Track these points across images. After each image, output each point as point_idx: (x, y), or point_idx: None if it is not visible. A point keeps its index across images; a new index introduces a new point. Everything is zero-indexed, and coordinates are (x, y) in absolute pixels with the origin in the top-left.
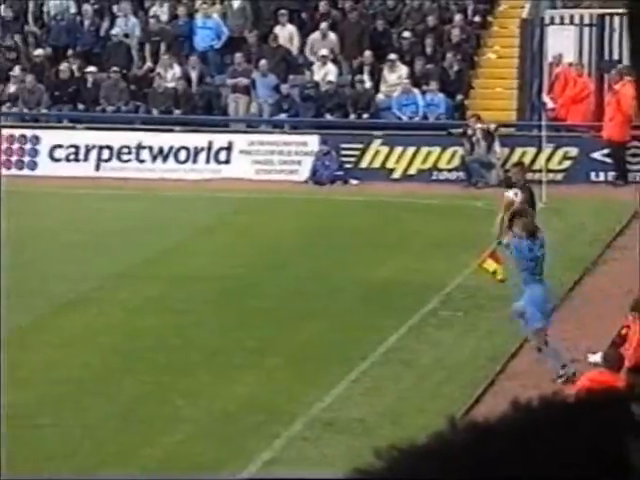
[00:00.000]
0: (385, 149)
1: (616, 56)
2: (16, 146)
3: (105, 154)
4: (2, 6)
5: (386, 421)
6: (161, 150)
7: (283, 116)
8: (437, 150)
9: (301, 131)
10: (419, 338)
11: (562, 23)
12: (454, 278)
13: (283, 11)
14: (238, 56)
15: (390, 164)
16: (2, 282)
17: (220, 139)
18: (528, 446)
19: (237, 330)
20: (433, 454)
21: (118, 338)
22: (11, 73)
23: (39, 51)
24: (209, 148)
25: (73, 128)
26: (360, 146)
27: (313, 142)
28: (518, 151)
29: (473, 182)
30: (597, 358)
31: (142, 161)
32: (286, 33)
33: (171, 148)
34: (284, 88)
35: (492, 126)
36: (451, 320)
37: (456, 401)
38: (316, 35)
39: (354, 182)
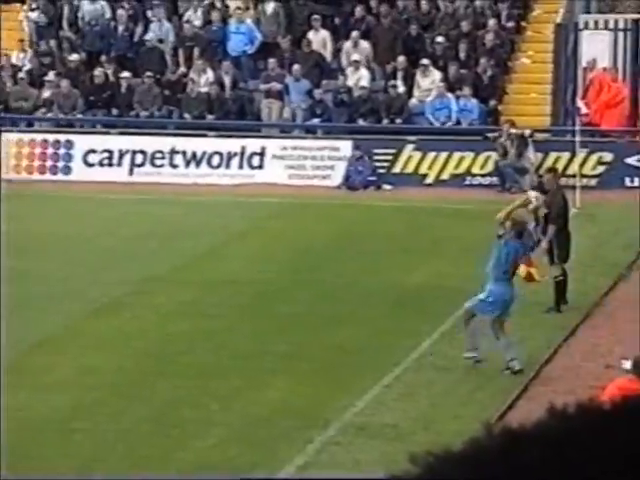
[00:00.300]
0: (418, 154)
1: None
2: (50, 151)
3: (138, 159)
4: (37, 11)
5: (419, 427)
6: (194, 155)
7: (316, 121)
8: (470, 155)
9: (334, 136)
10: (452, 343)
11: (597, 28)
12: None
13: (316, 16)
14: (271, 61)
15: (423, 169)
16: (34, 287)
17: (253, 144)
18: (564, 453)
19: (270, 335)
20: (469, 460)
21: (151, 342)
22: (46, 78)
23: (74, 56)
24: (242, 153)
25: (107, 133)
26: (393, 151)
27: (346, 147)
28: (552, 156)
29: (507, 187)
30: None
31: (175, 166)
32: (319, 38)
33: (204, 153)
34: (317, 93)
35: (527, 131)
36: (484, 325)
37: (489, 407)
38: (348, 44)
39: (387, 187)
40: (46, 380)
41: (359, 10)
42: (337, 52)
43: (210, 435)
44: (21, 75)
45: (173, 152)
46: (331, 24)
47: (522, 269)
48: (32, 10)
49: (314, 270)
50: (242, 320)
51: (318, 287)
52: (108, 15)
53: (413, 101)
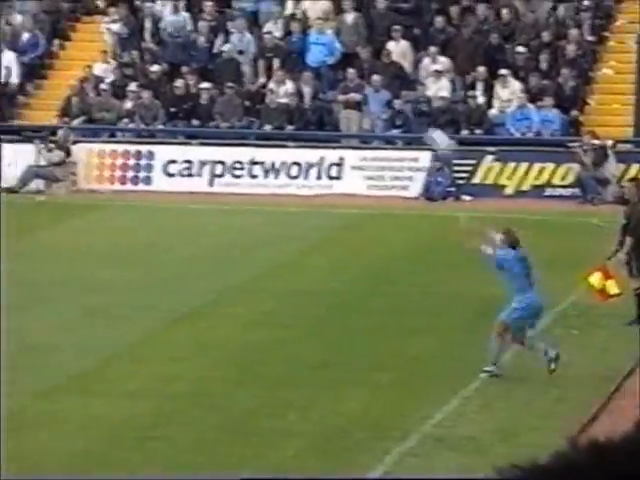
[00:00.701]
0: (498, 165)
1: None
2: (132, 161)
3: (218, 169)
4: (119, 23)
5: (498, 439)
6: (273, 166)
7: (395, 132)
8: (551, 166)
9: (413, 147)
10: (532, 355)
11: None
12: (568, 295)
13: (396, 27)
14: (351, 72)
15: (503, 180)
16: (115, 296)
17: (332, 155)
18: None
19: (347, 345)
20: (556, 473)
21: (230, 352)
22: (128, 89)
23: (155, 67)
24: (321, 164)
25: (187, 144)
26: (472, 162)
27: (425, 158)
28: (634, 167)
29: (589, 198)
30: None
31: (255, 176)
32: (399, 49)
33: (283, 164)
34: (397, 104)
35: (609, 142)
36: (565, 338)
37: (570, 419)
38: (427, 60)
39: (466, 198)
40: (126, 388)
41: (439, 20)
42: (417, 63)
43: (288, 445)
44: (103, 86)
45: (253, 163)
46: (411, 34)
47: (597, 280)
48: (114, 22)
49: (392, 281)
50: (320, 330)
51: (396, 298)
52: (189, 27)
53: (493, 112)
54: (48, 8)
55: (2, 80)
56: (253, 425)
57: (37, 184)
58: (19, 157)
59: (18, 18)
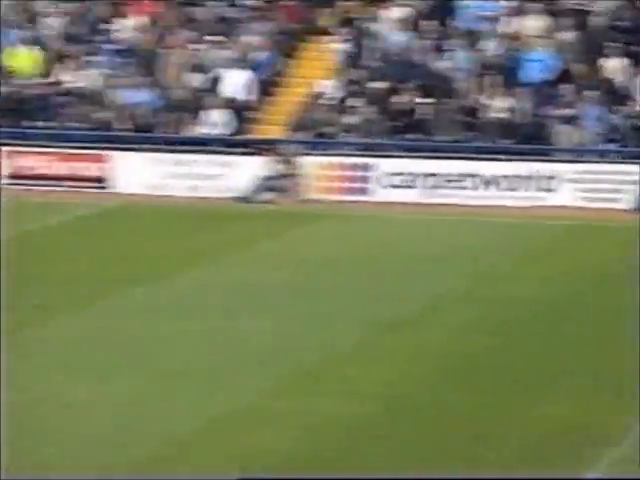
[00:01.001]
0: None
1: None
2: (353, 173)
3: (436, 182)
4: (345, 42)
5: None
6: (489, 178)
7: (609, 146)
8: None
9: (625, 160)
10: None
11: None
12: None
13: (613, 44)
14: (566, 87)
15: None
16: (333, 302)
17: (546, 168)
18: None
19: (555, 353)
20: None
21: (441, 358)
22: (352, 104)
23: (378, 84)
24: (535, 177)
25: (407, 157)
26: None
27: (637, 171)
28: None
29: None
30: None
31: (470, 189)
32: (615, 65)
33: (499, 177)
34: (612, 119)
35: None
36: None
37: None
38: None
39: None
40: (341, 390)
41: None
42: (632, 79)
43: (494, 450)
44: (328, 102)
45: (469, 175)
46: (629, 51)
47: None
48: (343, 42)
49: (603, 292)
50: (528, 338)
51: (608, 309)
52: (411, 45)
53: None
54: (282, 29)
55: (234, 96)
56: (464, 430)
57: (266, 194)
58: (250, 169)
59: (250, 38)
